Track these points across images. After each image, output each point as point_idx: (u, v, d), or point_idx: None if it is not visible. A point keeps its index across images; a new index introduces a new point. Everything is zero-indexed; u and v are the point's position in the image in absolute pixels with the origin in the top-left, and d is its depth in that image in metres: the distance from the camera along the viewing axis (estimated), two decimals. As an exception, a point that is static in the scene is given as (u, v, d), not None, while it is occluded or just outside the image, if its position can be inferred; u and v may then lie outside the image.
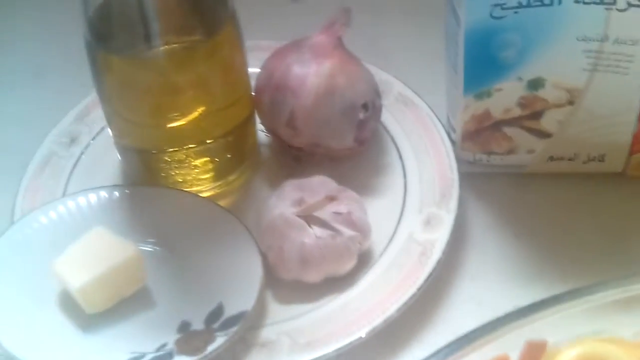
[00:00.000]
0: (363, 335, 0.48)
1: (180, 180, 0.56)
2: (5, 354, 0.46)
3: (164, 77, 0.51)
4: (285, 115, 0.54)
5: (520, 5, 0.49)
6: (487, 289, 0.53)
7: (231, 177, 0.57)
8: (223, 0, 0.51)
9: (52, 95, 0.66)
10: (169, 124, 0.53)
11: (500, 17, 0.50)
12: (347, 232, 0.50)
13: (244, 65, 0.54)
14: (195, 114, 0.53)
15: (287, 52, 0.55)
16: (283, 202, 0.51)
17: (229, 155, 0.56)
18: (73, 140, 0.60)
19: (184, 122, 0.53)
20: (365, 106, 0.54)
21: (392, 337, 0.50)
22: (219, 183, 0.57)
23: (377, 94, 0.56)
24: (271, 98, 0.54)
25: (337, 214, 0.50)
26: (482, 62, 0.52)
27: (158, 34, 0.50)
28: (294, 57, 0.54)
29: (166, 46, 0.51)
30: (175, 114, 0.52)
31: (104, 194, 0.54)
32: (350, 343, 0.48)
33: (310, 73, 0.53)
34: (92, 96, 0.62)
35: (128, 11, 0.50)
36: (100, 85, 0.53)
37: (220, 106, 0.53)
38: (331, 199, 0.50)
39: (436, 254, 0.51)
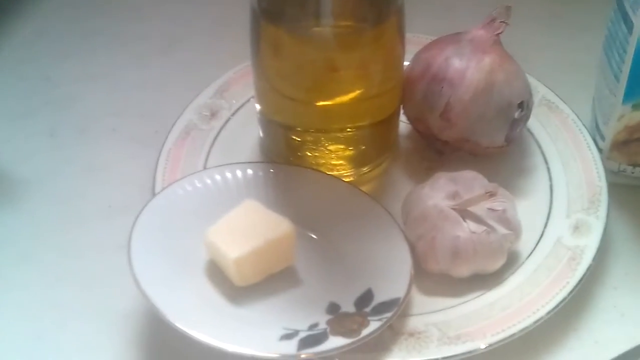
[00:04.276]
0: (515, 333, 0.47)
1: (313, 162, 0.56)
2: (159, 316, 0.45)
3: (327, 56, 0.51)
4: (440, 106, 0.53)
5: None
6: (629, 300, 0.52)
7: (365, 169, 0.57)
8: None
9: (183, 67, 0.66)
10: (320, 102, 0.53)
11: (677, 28, 0.49)
12: (502, 229, 0.50)
13: (402, 57, 0.54)
14: (348, 97, 0.53)
15: (446, 44, 0.55)
16: (437, 194, 0.51)
17: (363, 147, 0.56)
18: (214, 115, 0.59)
19: (334, 103, 0.53)
20: (521, 105, 0.54)
21: (536, 340, 0.49)
22: (352, 172, 0.57)
23: (530, 94, 0.55)
24: (426, 88, 0.54)
25: (492, 210, 0.50)
26: (648, 72, 0.51)
27: (330, 15, 0.50)
28: (452, 49, 0.54)
29: (333, 28, 0.51)
30: (330, 93, 0.52)
31: (249, 170, 0.54)
32: (502, 340, 0.47)
33: (470, 67, 0.53)
34: (231, 72, 0.62)
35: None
36: (259, 56, 0.53)
37: (374, 93, 0.53)
38: (491, 194, 0.49)
39: (586, 260, 0.51)
